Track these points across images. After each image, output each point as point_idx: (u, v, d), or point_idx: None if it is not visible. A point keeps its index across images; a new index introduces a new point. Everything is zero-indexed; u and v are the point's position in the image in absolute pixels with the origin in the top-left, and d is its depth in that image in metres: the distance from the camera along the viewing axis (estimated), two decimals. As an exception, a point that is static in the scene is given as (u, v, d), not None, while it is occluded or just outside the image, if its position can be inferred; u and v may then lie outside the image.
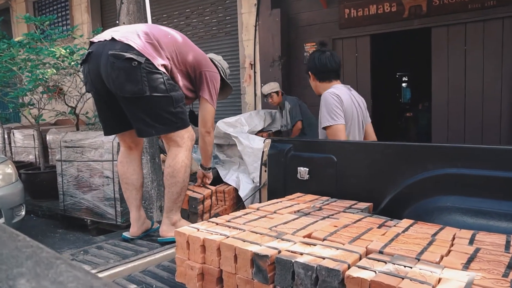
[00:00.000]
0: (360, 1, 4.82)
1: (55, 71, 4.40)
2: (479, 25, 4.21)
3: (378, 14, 4.78)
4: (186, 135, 1.98)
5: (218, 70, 2.30)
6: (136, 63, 1.77)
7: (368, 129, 2.40)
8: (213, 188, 2.59)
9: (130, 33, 1.86)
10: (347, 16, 4.96)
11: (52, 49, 4.29)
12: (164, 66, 1.89)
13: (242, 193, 3.97)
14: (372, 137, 2.41)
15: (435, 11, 4.40)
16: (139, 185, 2.10)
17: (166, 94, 1.86)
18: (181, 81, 2.04)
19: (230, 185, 4.23)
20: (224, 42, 6.08)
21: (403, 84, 12.34)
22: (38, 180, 5.61)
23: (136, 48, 1.80)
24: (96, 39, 1.94)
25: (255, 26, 5.51)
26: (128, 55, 1.77)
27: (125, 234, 2.17)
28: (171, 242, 1.87)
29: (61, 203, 4.47)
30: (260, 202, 2.30)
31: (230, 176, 4.28)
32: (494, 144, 4.02)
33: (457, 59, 4.36)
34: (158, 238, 1.95)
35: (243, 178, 4.15)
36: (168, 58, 1.93)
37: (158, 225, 2.26)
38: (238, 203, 3.64)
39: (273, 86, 4.68)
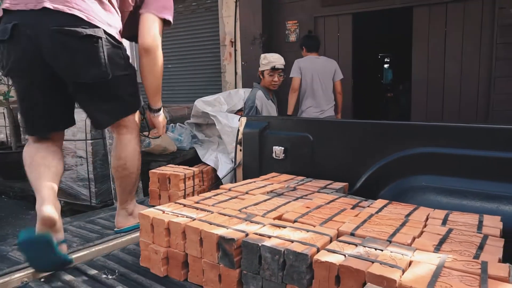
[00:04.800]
0: (343, -22, 4.69)
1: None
2: (460, 5, 4.18)
3: (361, -9, 4.67)
4: (136, 117, 1.70)
5: None
6: (96, 39, 1.43)
7: (336, 84, 4.01)
8: (196, 169, 2.29)
9: None
10: (330, -7, 4.84)
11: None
12: (120, 33, 1.57)
13: (221, 174, 3.90)
14: (337, 90, 4.02)
15: (418, -10, 4.33)
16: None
17: (126, 72, 1.57)
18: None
19: (209, 165, 4.16)
20: (204, 18, 5.86)
21: (385, 66, 12.35)
22: (10, 160, 5.39)
23: (86, 18, 1.42)
24: (13, 5, 1.42)
25: (236, 2, 5.32)
26: (84, 31, 1.41)
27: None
28: (129, 230, 1.70)
29: (33, 184, 4.30)
30: (236, 182, 2.24)
31: (209, 156, 4.19)
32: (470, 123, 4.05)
33: (437, 39, 4.33)
34: (115, 229, 1.73)
35: (222, 158, 4.07)
36: (117, 11, 1.57)
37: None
38: (216, 184, 3.58)
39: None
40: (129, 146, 1.66)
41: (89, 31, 1.43)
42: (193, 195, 2.21)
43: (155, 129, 1.89)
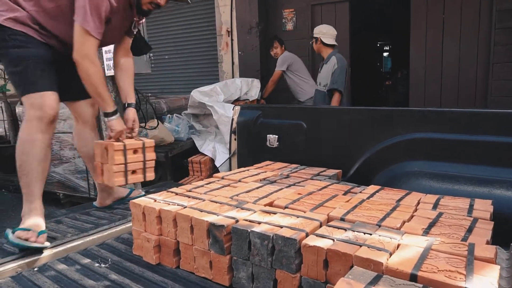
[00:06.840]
0: (340, -36, 4.63)
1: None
2: (458, -9, 4.13)
3: (358, -22, 4.61)
4: (27, 102, 1.62)
5: None
6: None
7: None
8: (147, 140, 1.82)
9: None
10: (326, -20, 4.78)
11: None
12: (13, 19, 1.64)
13: (218, 163, 3.90)
14: None
15: (415, -25, 4.27)
16: (92, 156, 1.87)
17: (4, 50, 1.64)
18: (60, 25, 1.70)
19: (206, 155, 4.16)
20: (200, 7, 5.80)
21: (384, 54, 12.24)
22: (9, 154, 5.38)
23: None
24: None
25: (232, -10, 5.26)
26: None
27: (95, 203, 2.11)
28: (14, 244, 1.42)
29: (31, 177, 4.31)
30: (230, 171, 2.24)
31: (206, 147, 4.19)
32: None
33: (435, 26, 4.29)
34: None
35: (219, 148, 4.07)
36: (23, 9, 1.66)
37: (142, 192, 2.17)
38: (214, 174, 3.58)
39: (321, 30, 3.71)
40: (19, 133, 1.67)
41: None
42: (143, 172, 1.72)
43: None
